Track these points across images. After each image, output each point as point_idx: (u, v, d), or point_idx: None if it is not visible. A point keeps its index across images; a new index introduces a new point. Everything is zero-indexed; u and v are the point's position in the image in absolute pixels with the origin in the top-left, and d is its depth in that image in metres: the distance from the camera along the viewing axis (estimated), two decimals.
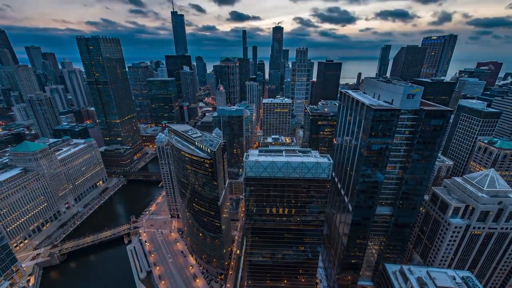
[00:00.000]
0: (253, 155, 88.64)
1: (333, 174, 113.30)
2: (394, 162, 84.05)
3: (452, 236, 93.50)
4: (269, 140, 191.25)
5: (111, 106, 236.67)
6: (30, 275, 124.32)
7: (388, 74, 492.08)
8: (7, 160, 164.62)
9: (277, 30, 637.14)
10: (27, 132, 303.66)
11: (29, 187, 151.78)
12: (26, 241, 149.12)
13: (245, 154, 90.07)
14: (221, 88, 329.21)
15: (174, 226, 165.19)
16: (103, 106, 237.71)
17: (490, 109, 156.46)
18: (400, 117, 76.27)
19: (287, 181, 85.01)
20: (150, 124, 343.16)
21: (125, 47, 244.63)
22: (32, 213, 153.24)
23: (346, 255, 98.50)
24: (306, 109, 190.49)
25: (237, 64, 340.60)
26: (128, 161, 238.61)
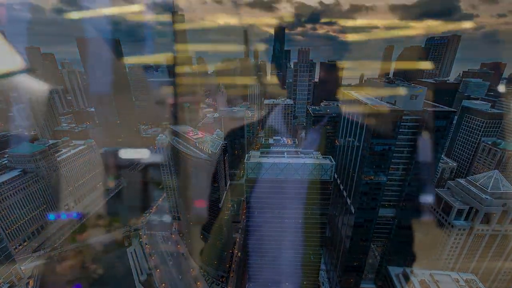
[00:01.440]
0: (255, 157, 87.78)
1: (335, 176, 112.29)
2: (397, 163, 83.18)
3: (455, 238, 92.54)
4: (271, 141, 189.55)
5: (111, 107, 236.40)
6: (29, 277, 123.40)
7: (391, 75, 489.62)
8: (6, 161, 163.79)
9: (279, 30, 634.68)
10: (26, 133, 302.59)
11: (28, 188, 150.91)
12: (25, 243, 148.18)
13: (246, 155, 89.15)
14: (222, 89, 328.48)
15: (175, 228, 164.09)
16: (103, 107, 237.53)
17: (494, 110, 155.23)
18: (403, 118, 75.44)
19: (288, 183, 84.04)
20: (151, 125, 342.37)
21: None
22: (31, 215, 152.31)
23: (349, 258, 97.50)
24: (308, 110, 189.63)
25: (238, 64, 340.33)
26: (128, 162, 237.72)
